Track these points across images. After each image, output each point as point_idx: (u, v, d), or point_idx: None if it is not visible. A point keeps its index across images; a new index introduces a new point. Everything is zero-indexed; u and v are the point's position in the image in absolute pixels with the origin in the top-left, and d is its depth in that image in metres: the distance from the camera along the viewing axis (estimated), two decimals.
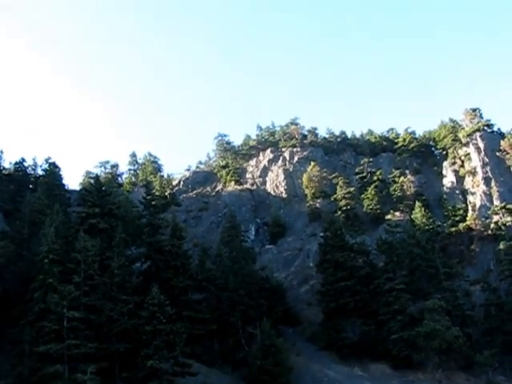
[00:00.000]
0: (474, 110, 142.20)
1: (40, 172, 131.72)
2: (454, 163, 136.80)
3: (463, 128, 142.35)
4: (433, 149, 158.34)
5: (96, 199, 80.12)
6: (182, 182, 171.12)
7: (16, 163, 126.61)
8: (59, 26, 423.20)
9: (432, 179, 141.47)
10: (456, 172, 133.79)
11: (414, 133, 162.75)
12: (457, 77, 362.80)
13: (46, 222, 71.29)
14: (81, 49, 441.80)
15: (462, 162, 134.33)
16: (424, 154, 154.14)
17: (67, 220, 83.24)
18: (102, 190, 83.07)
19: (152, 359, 57.62)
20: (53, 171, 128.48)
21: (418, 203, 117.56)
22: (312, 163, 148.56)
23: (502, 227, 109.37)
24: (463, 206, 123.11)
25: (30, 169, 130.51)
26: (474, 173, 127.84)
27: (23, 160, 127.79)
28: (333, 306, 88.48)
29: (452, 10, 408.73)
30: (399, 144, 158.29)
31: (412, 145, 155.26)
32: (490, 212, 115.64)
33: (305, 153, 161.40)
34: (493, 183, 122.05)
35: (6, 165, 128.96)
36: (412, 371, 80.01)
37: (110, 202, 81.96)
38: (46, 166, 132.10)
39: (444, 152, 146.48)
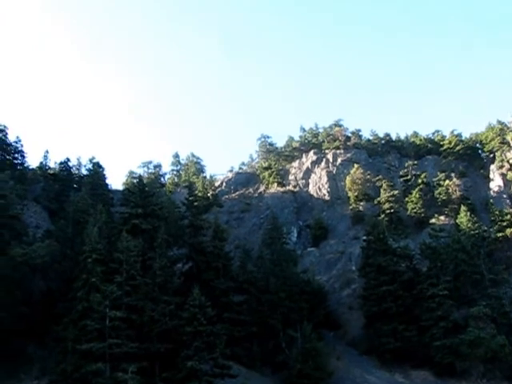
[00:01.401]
0: None
1: (84, 172, 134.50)
2: (501, 166, 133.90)
3: (511, 130, 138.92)
4: (479, 151, 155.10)
5: (139, 200, 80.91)
6: (224, 183, 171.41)
7: (61, 163, 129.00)
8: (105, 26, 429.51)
9: (478, 183, 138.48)
10: (503, 175, 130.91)
11: (460, 135, 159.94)
12: (506, 78, 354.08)
13: (90, 222, 72.33)
14: (125, 48, 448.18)
15: (510, 165, 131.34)
16: (470, 157, 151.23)
17: (110, 220, 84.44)
18: (144, 191, 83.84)
19: (192, 360, 58.07)
20: (96, 171, 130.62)
21: (463, 207, 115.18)
22: (355, 165, 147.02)
23: None
24: (511, 210, 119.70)
25: (74, 168, 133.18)
26: None
27: (68, 160, 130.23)
28: (375, 310, 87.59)
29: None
30: (445, 146, 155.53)
31: (458, 147, 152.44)
32: None
33: (348, 155, 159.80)
34: None
35: (52, 164, 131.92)
36: (455, 379, 78.44)
37: (152, 203, 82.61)
38: (90, 166, 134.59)
39: (491, 155, 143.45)
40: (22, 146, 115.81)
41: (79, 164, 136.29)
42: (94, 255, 64.61)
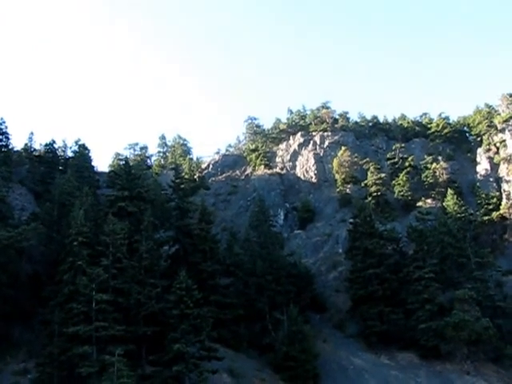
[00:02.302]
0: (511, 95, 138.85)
1: (70, 154, 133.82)
2: (488, 150, 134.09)
3: (499, 114, 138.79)
4: (467, 135, 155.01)
5: (125, 182, 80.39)
6: (211, 166, 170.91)
7: (46, 145, 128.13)
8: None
9: (465, 166, 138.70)
10: (490, 159, 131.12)
11: (447, 118, 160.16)
12: (494, 61, 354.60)
13: (76, 205, 71.91)
14: (108, 25, 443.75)
15: (497, 148, 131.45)
16: (458, 140, 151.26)
17: (96, 202, 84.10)
18: (131, 173, 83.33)
19: (179, 343, 57.99)
20: (82, 153, 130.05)
21: (450, 190, 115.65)
22: (343, 148, 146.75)
23: None
24: (497, 194, 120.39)
25: (60, 150, 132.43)
26: (509, 160, 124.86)
27: (53, 142, 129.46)
28: (361, 293, 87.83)
29: None
30: (432, 129, 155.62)
31: (445, 130, 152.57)
32: None
33: (336, 137, 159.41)
34: None
35: (37, 146, 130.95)
36: (440, 361, 79.19)
37: (138, 186, 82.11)
38: (75, 148, 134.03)
39: (478, 138, 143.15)
40: (6, 127, 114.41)
41: (65, 146, 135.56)
42: (80, 238, 64.41)
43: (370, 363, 79.88)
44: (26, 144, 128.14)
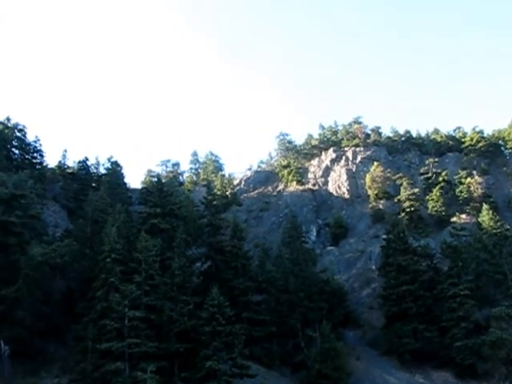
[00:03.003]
0: None
1: (102, 171, 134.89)
2: None
3: None
4: (502, 148, 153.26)
5: (157, 199, 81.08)
6: (243, 182, 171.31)
7: (79, 162, 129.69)
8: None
9: (501, 180, 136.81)
10: None
11: (481, 132, 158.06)
12: None
13: (109, 222, 72.47)
14: (138, 45, 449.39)
15: None
16: (492, 154, 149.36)
17: (129, 219, 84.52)
18: (163, 190, 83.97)
19: (211, 360, 57.99)
20: (115, 170, 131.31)
21: (485, 205, 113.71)
22: (375, 163, 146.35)
23: None
24: None
25: (92, 167, 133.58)
26: None
27: (86, 159, 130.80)
28: (395, 310, 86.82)
29: None
30: (466, 143, 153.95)
31: (480, 144, 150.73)
32: None
33: (368, 152, 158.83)
34: None
35: (70, 164, 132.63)
36: (477, 381, 77.34)
37: (171, 203, 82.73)
38: (108, 165, 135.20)
39: None
40: (40, 145, 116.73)
41: (97, 163, 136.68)
42: (112, 255, 64.69)
43: (404, 382, 78.55)
44: (59, 161, 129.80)
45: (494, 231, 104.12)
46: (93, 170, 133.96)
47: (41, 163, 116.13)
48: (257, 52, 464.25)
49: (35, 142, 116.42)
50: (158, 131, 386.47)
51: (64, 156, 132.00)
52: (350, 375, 75.58)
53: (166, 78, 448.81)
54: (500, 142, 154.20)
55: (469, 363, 77.78)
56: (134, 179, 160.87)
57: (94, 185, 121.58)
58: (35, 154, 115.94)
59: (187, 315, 64.43)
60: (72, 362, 61.94)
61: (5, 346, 60.04)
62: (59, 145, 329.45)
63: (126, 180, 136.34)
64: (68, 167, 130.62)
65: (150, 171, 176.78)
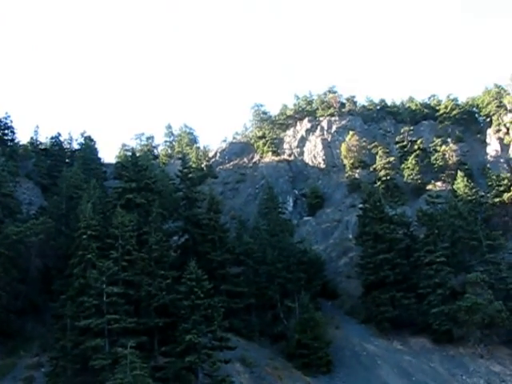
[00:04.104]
0: None
1: (76, 146, 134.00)
2: (498, 131, 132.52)
3: (509, 94, 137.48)
4: (476, 116, 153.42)
5: (132, 174, 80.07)
6: (218, 154, 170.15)
7: (52, 138, 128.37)
8: None
9: (475, 148, 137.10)
10: (501, 140, 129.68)
11: (456, 99, 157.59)
12: (502, 40, 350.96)
13: (84, 198, 72.03)
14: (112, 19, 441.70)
15: (508, 129, 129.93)
16: (467, 122, 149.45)
17: (104, 195, 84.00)
18: (138, 165, 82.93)
19: (190, 334, 57.76)
20: (88, 145, 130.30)
21: (460, 173, 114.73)
22: (351, 132, 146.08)
23: None
24: (508, 175, 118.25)
25: (65, 143, 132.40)
26: None
27: (59, 134, 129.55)
28: (372, 279, 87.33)
29: None
30: (441, 111, 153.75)
31: (454, 112, 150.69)
32: None
33: (343, 122, 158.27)
34: None
35: (42, 140, 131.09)
36: (453, 346, 78.77)
37: (146, 177, 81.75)
38: (81, 140, 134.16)
39: (488, 119, 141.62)
40: (11, 121, 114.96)
41: (70, 138, 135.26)
42: (88, 231, 64.08)
43: (383, 349, 79.57)
44: (31, 138, 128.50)
45: (469, 198, 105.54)
46: (66, 145, 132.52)
47: (12, 140, 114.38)
48: (230, 22, 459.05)
49: (5, 118, 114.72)
50: (131, 105, 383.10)
51: (36, 132, 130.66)
52: (330, 344, 76.27)
53: (138, 49, 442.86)
54: (474, 109, 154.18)
55: (445, 329, 78.94)
56: (109, 154, 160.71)
57: (67, 161, 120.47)
58: (6, 131, 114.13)
59: (165, 290, 64.11)
60: (51, 339, 61.85)
61: None
62: (31, 121, 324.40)
63: (100, 155, 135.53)
64: (40, 143, 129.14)
65: (124, 145, 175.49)
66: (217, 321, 62.06)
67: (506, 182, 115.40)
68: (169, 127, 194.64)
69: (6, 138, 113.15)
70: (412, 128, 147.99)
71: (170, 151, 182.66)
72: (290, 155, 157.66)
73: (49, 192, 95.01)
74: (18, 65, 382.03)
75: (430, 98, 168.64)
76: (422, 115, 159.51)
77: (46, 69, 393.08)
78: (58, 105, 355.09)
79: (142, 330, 60.13)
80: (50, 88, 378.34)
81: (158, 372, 57.85)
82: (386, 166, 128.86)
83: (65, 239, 72.92)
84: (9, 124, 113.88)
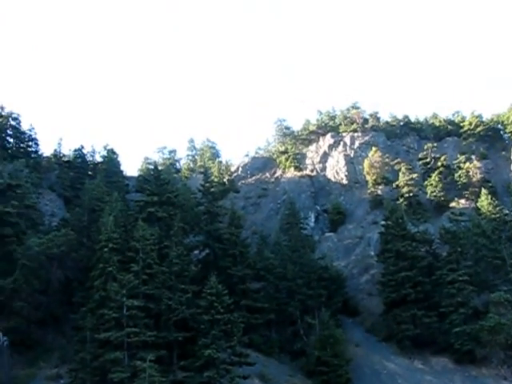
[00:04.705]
0: None
1: (99, 159, 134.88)
2: None
3: None
4: (501, 133, 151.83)
5: (154, 187, 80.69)
6: (240, 168, 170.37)
7: (75, 150, 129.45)
8: None
9: (500, 165, 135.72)
10: None
11: (480, 116, 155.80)
12: None
13: (105, 210, 72.49)
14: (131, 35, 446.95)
15: None
16: (492, 139, 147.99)
17: (126, 208, 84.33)
18: (160, 179, 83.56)
19: (209, 348, 57.86)
20: (111, 158, 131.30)
21: (484, 190, 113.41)
22: (373, 148, 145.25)
23: None
24: None
25: (88, 156, 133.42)
26: None
27: (82, 147, 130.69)
28: (393, 296, 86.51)
29: None
30: (465, 128, 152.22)
31: (479, 129, 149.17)
32: None
33: (366, 138, 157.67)
34: None
35: (66, 152, 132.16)
36: (475, 366, 77.44)
37: (168, 191, 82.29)
38: (104, 153, 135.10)
39: None
40: (35, 133, 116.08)
41: (93, 151, 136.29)
42: (110, 244, 64.54)
43: (404, 368, 78.69)
44: (55, 150, 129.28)
45: (493, 216, 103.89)
46: (89, 158, 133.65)
47: (36, 152, 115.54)
48: (253, 38, 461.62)
49: (30, 130, 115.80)
50: (154, 118, 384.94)
51: (59, 144, 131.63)
52: (350, 362, 75.78)
53: (163, 64, 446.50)
54: (499, 126, 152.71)
55: (467, 349, 77.69)
56: (131, 167, 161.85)
57: (90, 173, 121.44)
58: (30, 143, 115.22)
59: (185, 304, 64.31)
60: (71, 351, 61.98)
61: (3, 337, 60.35)
62: (54, 133, 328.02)
63: (122, 168, 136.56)
64: (64, 155, 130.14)
65: (146, 158, 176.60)
66: (236, 336, 62.09)
67: None
68: (191, 141, 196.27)
69: (29, 149, 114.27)
70: (435, 144, 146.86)
71: (192, 165, 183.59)
72: (312, 171, 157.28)
73: (71, 204, 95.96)
74: (45, 78, 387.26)
75: (453, 114, 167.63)
76: (445, 132, 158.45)
77: (71, 82, 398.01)
78: (81, 117, 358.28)
79: (161, 344, 60.27)
80: (74, 100, 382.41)
81: None
82: (409, 182, 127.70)
83: (86, 251, 73.46)
84: (33, 136, 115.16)
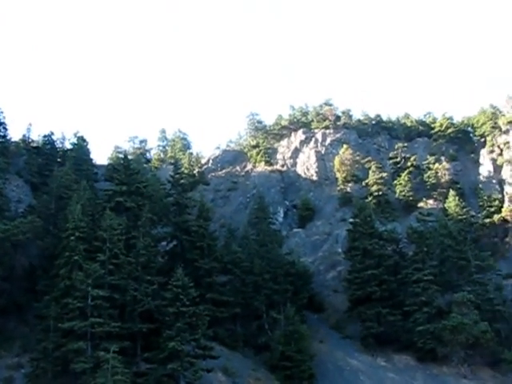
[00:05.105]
0: None
1: (68, 146, 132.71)
2: (492, 151, 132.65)
3: (504, 115, 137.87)
4: (471, 135, 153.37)
5: (123, 177, 79.73)
6: (211, 161, 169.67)
7: (44, 136, 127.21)
8: None
9: (468, 167, 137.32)
10: (494, 160, 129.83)
11: (451, 118, 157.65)
12: (500, 61, 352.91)
13: (73, 198, 71.55)
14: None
15: (501, 150, 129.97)
16: (461, 141, 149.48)
17: (94, 196, 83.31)
18: (129, 168, 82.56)
19: (174, 341, 57.73)
20: (81, 145, 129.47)
21: (452, 192, 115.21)
22: (345, 146, 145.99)
23: None
24: (499, 196, 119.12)
25: (58, 142, 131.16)
26: None
27: (52, 133, 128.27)
28: (359, 294, 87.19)
29: None
30: (436, 129, 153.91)
31: (449, 130, 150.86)
32: None
33: (338, 135, 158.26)
34: None
35: (35, 137, 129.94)
36: (436, 364, 78.66)
37: (137, 181, 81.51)
38: (74, 140, 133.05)
39: (482, 139, 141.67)
40: (4, 117, 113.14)
41: (63, 138, 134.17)
42: (76, 233, 63.87)
43: (367, 365, 79.44)
44: (23, 135, 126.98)
45: (460, 217, 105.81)
46: (58, 144, 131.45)
47: (4, 136, 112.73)
48: (228, 31, 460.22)
49: None
50: (126, 107, 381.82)
51: (29, 130, 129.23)
52: (313, 357, 76.08)
53: (135, 51, 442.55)
54: (469, 128, 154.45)
55: (430, 347, 78.91)
56: (101, 155, 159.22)
57: (59, 160, 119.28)
58: None
59: (151, 295, 63.89)
60: (33, 340, 61.32)
61: None
62: (24, 118, 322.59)
63: (92, 156, 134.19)
64: (32, 141, 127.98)
65: (117, 147, 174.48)
66: (201, 329, 62.09)
67: (496, 203, 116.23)
68: (163, 131, 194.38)
69: None
70: (406, 144, 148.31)
71: (162, 156, 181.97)
72: (282, 166, 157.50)
73: (38, 191, 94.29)
74: (14, 62, 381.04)
75: (425, 115, 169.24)
76: (416, 132, 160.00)
77: (42, 67, 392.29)
78: (52, 103, 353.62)
79: (125, 335, 59.69)
80: (44, 86, 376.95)
81: (140, 378, 57.63)
82: (379, 181, 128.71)
83: (52, 239, 72.47)
84: (1, 120, 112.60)
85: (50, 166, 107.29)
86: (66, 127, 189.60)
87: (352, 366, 78.68)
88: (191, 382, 58.27)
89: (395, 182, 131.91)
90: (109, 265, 63.30)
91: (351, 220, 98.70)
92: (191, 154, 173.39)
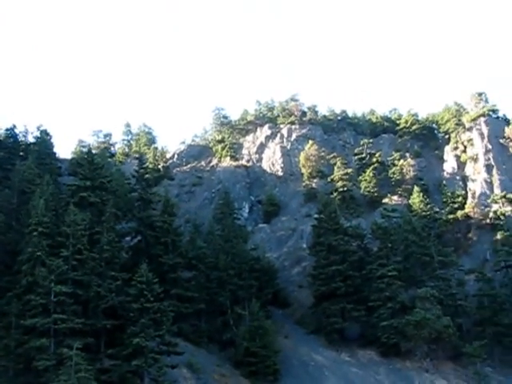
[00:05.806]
0: (480, 95, 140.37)
1: (31, 139, 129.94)
2: (456, 148, 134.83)
3: (468, 112, 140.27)
4: (435, 132, 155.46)
5: (87, 172, 78.63)
6: (176, 156, 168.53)
7: (6, 129, 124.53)
8: None
9: (433, 163, 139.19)
10: (457, 157, 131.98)
11: (416, 115, 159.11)
12: (464, 59, 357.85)
13: (36, 193, 70.54)
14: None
15: (465, 147, 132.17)
16: (426, 137, 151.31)
17: (57, 191, 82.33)
18: (93, 163, 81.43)
19: (138, 337, 57.46)
20: (44, 139, 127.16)
21: (416, 188, 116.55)
22: (310, 141, 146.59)
23: (501, 217, 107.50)
24: (463, 192, 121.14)
25: (20, 136, 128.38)
26: (475, 159, 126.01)
27: (14, 126, 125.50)
28: (323, 289, 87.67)
29: None
30: (401, 126, 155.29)
31: (414, 127, 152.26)
32: (489, 200, 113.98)
33: (303, 130, 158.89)
34: (494, 171, 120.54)
35: None
36: (400, 359, 79.83)
37: (101, 176, 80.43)
38: (37, 134, 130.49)
39: (447, 136, 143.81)
40: None
41: (26, 131, 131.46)
42: (39, 228, 63.06)
43: (331, 360, 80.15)
44: None
45: (424, 213, 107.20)
46: (21, 138, 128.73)
47: None
48: (194, 25, 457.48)
49: None
50: (90, 101, 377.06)
51: None
52: (278, 353, 76.41)
53: (103, 46, 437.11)
54: (434, 125, 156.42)
55: (393, 342, 79.95)
56: (65, 149, 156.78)
57: (21, 154, 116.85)
58: None
59: (115, 291, 63.37)
60: None
61: None
62: None
63: (55, 150, 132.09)
64: None
65: (81, 141, 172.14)
66: (166, 325, 61.93)
67: (460, 199, 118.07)
68: (127, 125, 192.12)
69: None
70: (371, 140, 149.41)
71: (127, 150, 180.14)
72: (248, 161, 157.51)
73: (0, 185, 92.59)
74: None
75: (390, 111, 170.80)
76: (382, 128, 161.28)
77: (8, 60, 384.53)
78: (14, 96, 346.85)
79: (89, 332, 59.14)
80: (6, 78, 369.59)
81: (104, 375, 57.04)
82: (344, 177, 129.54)
83: (14, 235, 71.23)
84: None
85: (13, 159, 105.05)
86: (29, 120, 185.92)
87: (316, 361, 79.26)
88: (155, 378, 58.05)
89: (360, 177, 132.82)
90: (72, 260, 62.65)
91: (316, 216, 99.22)
92: (156, 148, 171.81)
